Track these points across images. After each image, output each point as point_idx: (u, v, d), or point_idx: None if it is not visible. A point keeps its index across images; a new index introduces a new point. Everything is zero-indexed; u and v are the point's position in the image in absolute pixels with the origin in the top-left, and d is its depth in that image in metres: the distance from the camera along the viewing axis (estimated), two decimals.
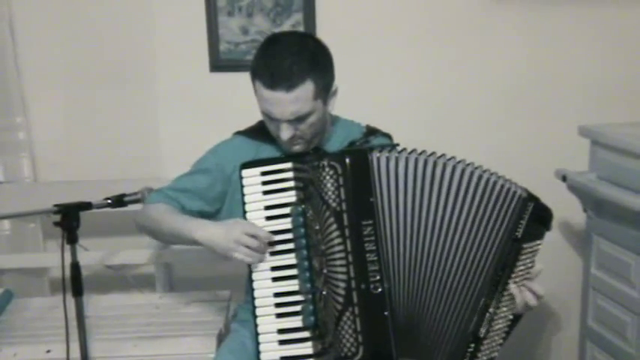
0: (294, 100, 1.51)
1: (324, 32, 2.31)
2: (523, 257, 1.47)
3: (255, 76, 1.56)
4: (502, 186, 1.47)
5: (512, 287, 1.46)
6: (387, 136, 1.78)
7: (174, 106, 2.38)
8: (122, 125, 2.40)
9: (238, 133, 1.76)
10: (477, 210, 1.46)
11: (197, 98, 2.39)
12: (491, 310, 1.46)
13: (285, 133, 1.55)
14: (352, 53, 2.35)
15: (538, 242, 1.49)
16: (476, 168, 1.47)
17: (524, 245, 1.47)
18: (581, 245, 2.39)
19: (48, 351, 1.93)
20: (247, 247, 1.47)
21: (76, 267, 1.69)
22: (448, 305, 1.47)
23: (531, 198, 1.49)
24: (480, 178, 1.46)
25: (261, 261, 1.50)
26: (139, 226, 1.76)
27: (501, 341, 1.49)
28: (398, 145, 1.75)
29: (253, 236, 1.47)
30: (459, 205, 1.45)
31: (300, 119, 1.54)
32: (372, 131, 1.74)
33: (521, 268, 1.48)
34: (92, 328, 1.97)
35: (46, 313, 2.16)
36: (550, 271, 2.47)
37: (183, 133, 2.39)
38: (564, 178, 2.13)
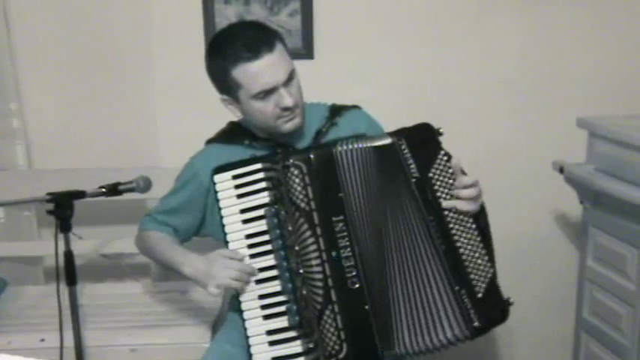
0: (279, 58, 1.53)
1: (321, 20, 2.31)
2: (438, 182, 1.45)
3: (233, 64, 1.54)
4: (377, 147, 1.46)
5: (446, 203, 1.44)
6: (356, 107, 1.75)
7: (170, 95, 2.37)
8: (118, 113, 2.39)
9: (210, 140, 1.76)
10: (380, 181, 1.46)
11: (193, 86, 2.36)
12: (451, 252, 1.44)
13: (289, 98, 1.54)
14: (350, 41, 2.34)
15: (440, 155, 1.46)
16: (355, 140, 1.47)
17: (430, 174, 1.45)
18: (577, 237, 2.39)
19: (42, 339, 1.93)
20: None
21: (69, 255, 1.68)
22: (420, 280, 1.46)
23: (399, 137, 1.46)
24: (360, 152, 1.46)
25: (243, 286, 1.51)
26: (138, 249, 1.84)
27: (486, 257, 1.45)
28: (366, 117, 1.75)
29: (232, 268, 1.49)
30: (381, 182, 1.46)
31: (290, 78, 1.55)
32: (336, 111, 1.72)
33: (445, 191, 1.45)
34: (86, 317, 1.97)
35: (40, 301, 2.16)
36: (546, 262, 2.50)
37: (179, 122, 2.38)
38: (561, 170, 2.13)
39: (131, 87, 2.37)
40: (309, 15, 2.29)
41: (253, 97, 1.56)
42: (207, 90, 2.34)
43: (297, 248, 1.46)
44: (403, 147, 1.45)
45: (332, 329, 1.45)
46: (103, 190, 1.73)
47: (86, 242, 2.25)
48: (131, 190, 1.75)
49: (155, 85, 2.36)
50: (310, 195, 1.45)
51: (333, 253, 1.45)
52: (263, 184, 1.50)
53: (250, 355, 1.50)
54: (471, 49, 2.36)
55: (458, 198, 1.45)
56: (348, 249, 1.45)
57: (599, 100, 2.36)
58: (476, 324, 1.44)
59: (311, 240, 1.46)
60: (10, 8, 2.30)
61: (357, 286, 1.45)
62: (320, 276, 1.45)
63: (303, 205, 1.46)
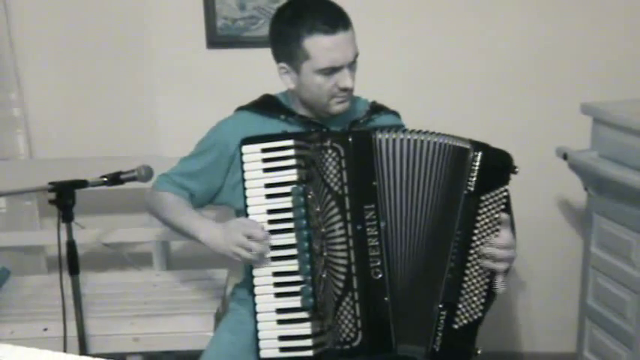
0: (351, 38, 1.56)
1: None
2: (484, 209, 1.44)
3: (309, 33, 1.52)
4: (449, 146, 1.45)
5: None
6: (394, 113, 1.75)
7: (170, 83, 2.36)
8: (118, 102, 2.38)
9: (241, 108, 1.73)
10: (437, 178, 1.45)
11: (194, 75, 2.36)
12: (456, 272, 1.43)
13: (349, 79, 1.56)
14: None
15: (502, 189, 1.44)
16: (430, 135, 1.46)
17: (483, 197, 1.43)
18: (581, 224, 2.38)
19: (45, 329, 1.93)
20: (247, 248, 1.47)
21: (71, 245, 1.67)
22: (430, 281, 1.46)
23: (477, 147, 1.45)
24: (433, 145, 1.44)
25: (262, 260, 1.48)
26: (147, 209, 1.79)
27: (483, 300, 1.45)
28: (401, 123, 1.74)
29: (252, 236, 1.46)
30: (431, 179, 1.45)
31: (354, 61, 1.58)
32: (376, 108, 1.72)
33: (486, 220, 1.44)
34: (89, 307, 1.97)
35: (43, 291, 2.16)
36: (550, 249, 2.49)
37: (179, 110, 2.37)
38: (565, 157, 2.11)
39: (131, 76, 2.35)
40: None
41: (318, 71, 1.55)
42: (207, 78, 2.35)
43: (323, 230, 1.44)
44: (477, 159, 1.43)
45: (349, 316, 1.43)
46: (105, 179, 1.72)
47: (88, 231, 2.25)
48: (133, 179, 1.75)
49: (155, 74, 2.35)
50: (345, 179, 1.43)
51: (358, 227, 1.42)
52: (293, 162, 1.46)
53: (257, 332, 1.48)
54: (475, 35, 2.34)
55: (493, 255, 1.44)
56: (376, 239, 1.43)
57: (603, 85, 2.34)
58: (436, 348, 1.44)
59: (339, 225, 1.43)
60: None
61: (379, 276, 1.43)
62: (344, 262, 1.43)
63: (336, 188, 1.43)
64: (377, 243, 1.43)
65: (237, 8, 2.29)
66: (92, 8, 2.31)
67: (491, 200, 1.44)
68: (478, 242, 1.44)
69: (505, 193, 1.44)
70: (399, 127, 1.49)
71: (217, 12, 2.29)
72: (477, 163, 1.43)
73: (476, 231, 1.44)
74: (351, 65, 1.57)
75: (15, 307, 2.08)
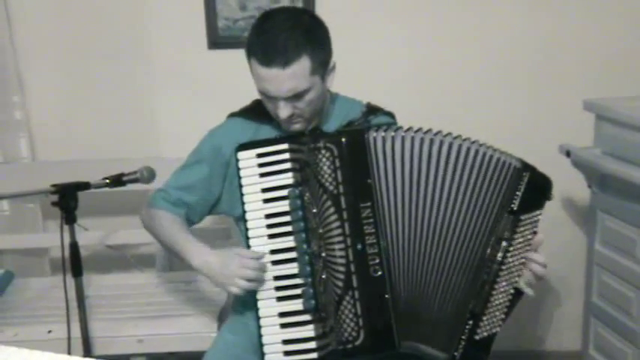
0: (290, 77, 1.48)
1: (323, 7, 2.28)
2: (521, 229, 1.45)
3: (250, 54, 1.52)
4: (497, 159, 1.45)
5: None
6: (390, 114, 1.74)
7: (171, 84, 2.36)
8: (120, 104, 2.38)
9: (233, 114, 1.72)
10: (472, 185, 1.44)
11: (195, 76, 2.36)
12: (487, 286, 1.44)
13: (283, 111, 1.52)
14: (351, 29, 2.32)
15: (537, 212, 1.46)
16: (472, 143, 1.45)
17: (522, 217, 1.44)
18: (585, 221, 2.37)
19: (49, 331, 1.93)
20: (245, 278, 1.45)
21: (75, 247, 1.68)
22: (447, 284, 1.45)
23: (526, 168, 1.46)
24: (474, 152, 1.44)
25: (259, 287, 1.47)
26: (143, 226, 1.74)
27: (503, 316, 1.46)
28: (396, 123, 1.73)
29: (249, 268, 1.45)
30: (455, 182, 1.44)
31: (297, 96, 1.51)
32: (372, 110, 1.70)
33: (520, 240, 1.45)
34: (93, 308, 1.97)
35: (47, 293, 2.16)
36: (554, 247, 2.48)
37: (181, 111, 2.37)
38: (568, 154, 2.11)
39: (132, 77, 2.35)
40: (310, 2, 2.27)
41: (258, 89, 1.55)
42: (208, 79, 2.35)
43: (321, 231, 1.43)
44: (524, 179, 1.45)
45: (350, 315, 1.42)
46: (107, 181, 1.72)
47: (91, 233, 2.25)
48: (135, 180, 1.74)
49: (156, 75, 2.35)
50: (339, 178, 1.43)
51: (358, 246, 1.43)
52: (288, 165, 1.46)
53: (260, 336, 1.47)
54: (475, 34, 2.33)
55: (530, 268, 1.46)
56: (373, 236, 1.43)
57: (605, 82, 2.34)
58: (457, 355, 1.45)
59: (336, 224, 1.43)
60: (11, 1, 2.28)
61: (379, 273, 1.43)
62: (343, 261, 1.43)
63: (331, 188, 1.43)
64: (374, 241, 1.42)
65: (238, 8, 2.29)
66: (93, 11, 2.31)
67: (528, 221, 1.45)
68: (511, 259, 1.45)
69: (539, 216, 1.46)
70: (397, 126, 1.48)
71: (218, 12, 2.29)
72: (524, 182, 1.45)
73: (512, 248, 1.44)
74: (293, 99, 1.51)
75: (19, 310, 2.09)
